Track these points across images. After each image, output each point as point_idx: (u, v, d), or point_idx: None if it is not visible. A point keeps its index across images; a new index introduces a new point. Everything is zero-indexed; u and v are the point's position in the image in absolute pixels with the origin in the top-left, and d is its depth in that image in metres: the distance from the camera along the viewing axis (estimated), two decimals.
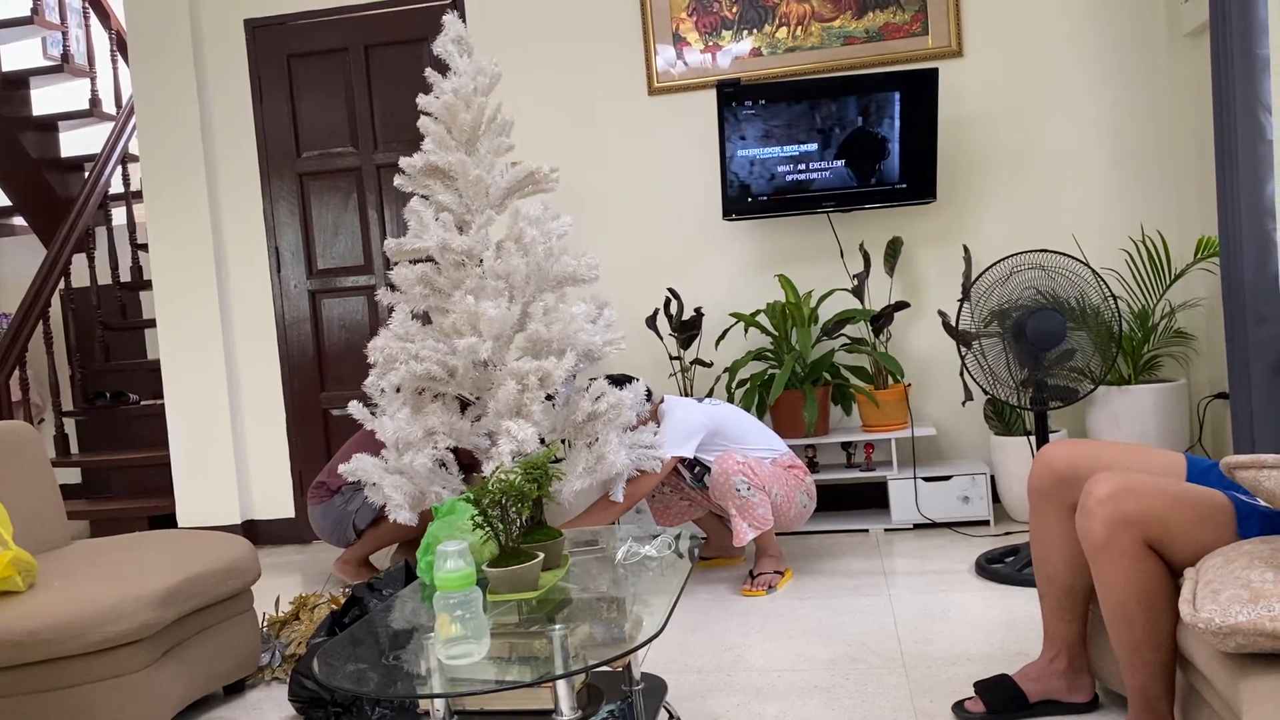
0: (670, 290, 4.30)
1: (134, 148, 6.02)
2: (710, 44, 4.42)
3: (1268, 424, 3.16)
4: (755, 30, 4.38)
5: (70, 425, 6.07)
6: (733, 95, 4.13)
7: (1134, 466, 2.01)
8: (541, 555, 2.09)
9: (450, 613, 1.73)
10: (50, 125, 6.28)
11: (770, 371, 4.16)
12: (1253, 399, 3.21)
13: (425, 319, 3.45)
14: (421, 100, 3.40)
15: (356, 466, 3.31)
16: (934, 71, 4.06)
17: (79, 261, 6.16)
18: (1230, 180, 3.25)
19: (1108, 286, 3.34)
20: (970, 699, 2.30)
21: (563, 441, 3.44)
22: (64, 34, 6.26)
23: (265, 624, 3.07)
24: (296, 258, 4.83)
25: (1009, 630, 2.85)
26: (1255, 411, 3.20)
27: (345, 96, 4.76)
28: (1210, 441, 4.03)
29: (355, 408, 3.39)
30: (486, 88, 3.37)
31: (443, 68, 3.42)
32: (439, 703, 1.84)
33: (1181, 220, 4.15)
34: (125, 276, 6.06)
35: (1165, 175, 4.18)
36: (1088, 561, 1.90)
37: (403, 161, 3.40)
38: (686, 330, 4.21)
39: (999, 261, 3.36)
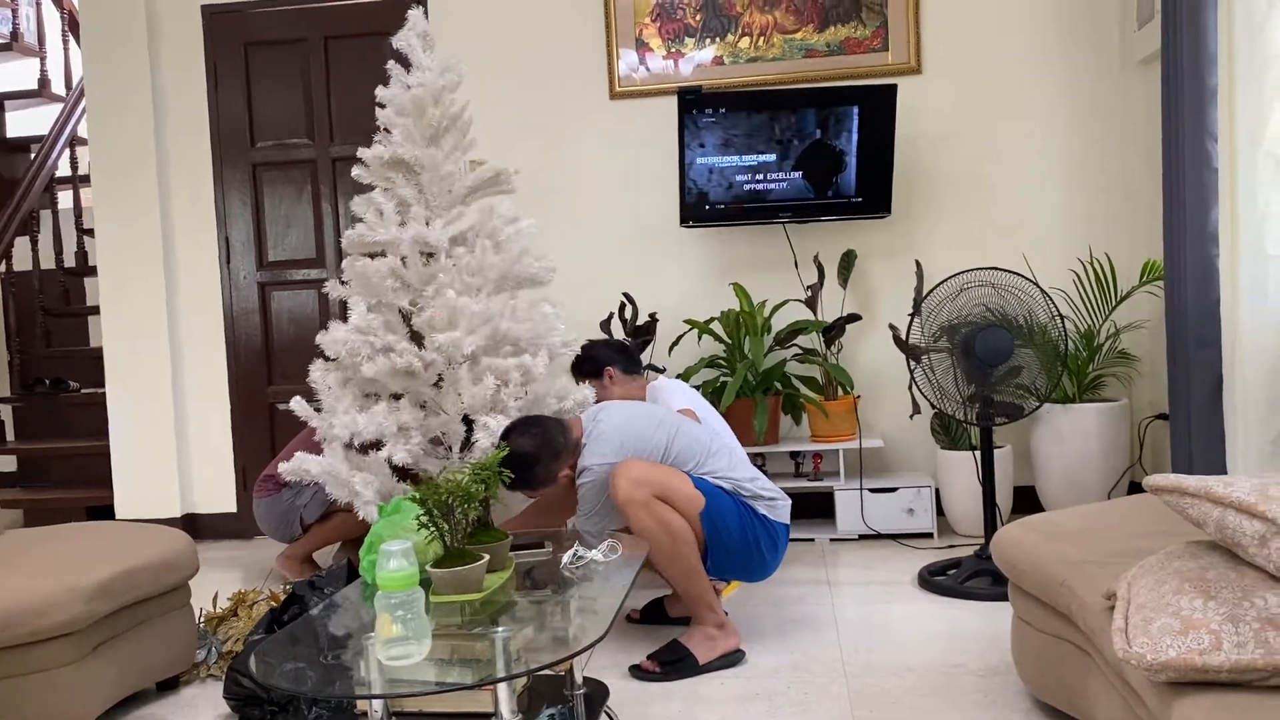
0: (625, 295, 4.30)
1: (83, 130, 5.89)
2: (673, 50, 4.43)
3: (1204, 445, 3.23)
4: (718, 39, 4.40)
5: (6, 411, 5.91)
6: (694, 102, 4.14)
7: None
8: (487, 557, 2.08)
9: (391, 613, 1.71)
10: None
11: (722, 379, 4.17)
12: (1191, 421, 3.28)
13: (379, 313, 3.41)
14: (383, 92, 3.36)
15: (297, 465, 3.26)
16: (893, 87, 4.11)
17: (21, 245, 6.01)
18: (1176, 206, 3.32)
19: (1055, 306, 3.39)
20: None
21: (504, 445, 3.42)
22: (14, 12, 6.12)
23: (202, 620, 3.02)
24: (247, 249, 4.76)
25: (950, 641, 2.88)
26: (1194, 433, 3.27)
27: (303, 88, 4.70)
28: (1150, 460, 4.11)
29: (298, 404, 3.35)
30: (455, 85, 3.35)
31: (405, 61, 3.39)
32: (377, 704, 1.82)
33: (1129, 243, 4.23)
34: (70, 262, 5.93)
35: (1114, 199, 4.26)
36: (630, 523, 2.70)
37: (362, 152, 3.36)
38: (641, 335, 4.21)
39: (950, 278, 3.40)
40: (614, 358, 3.55)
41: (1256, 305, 2.95)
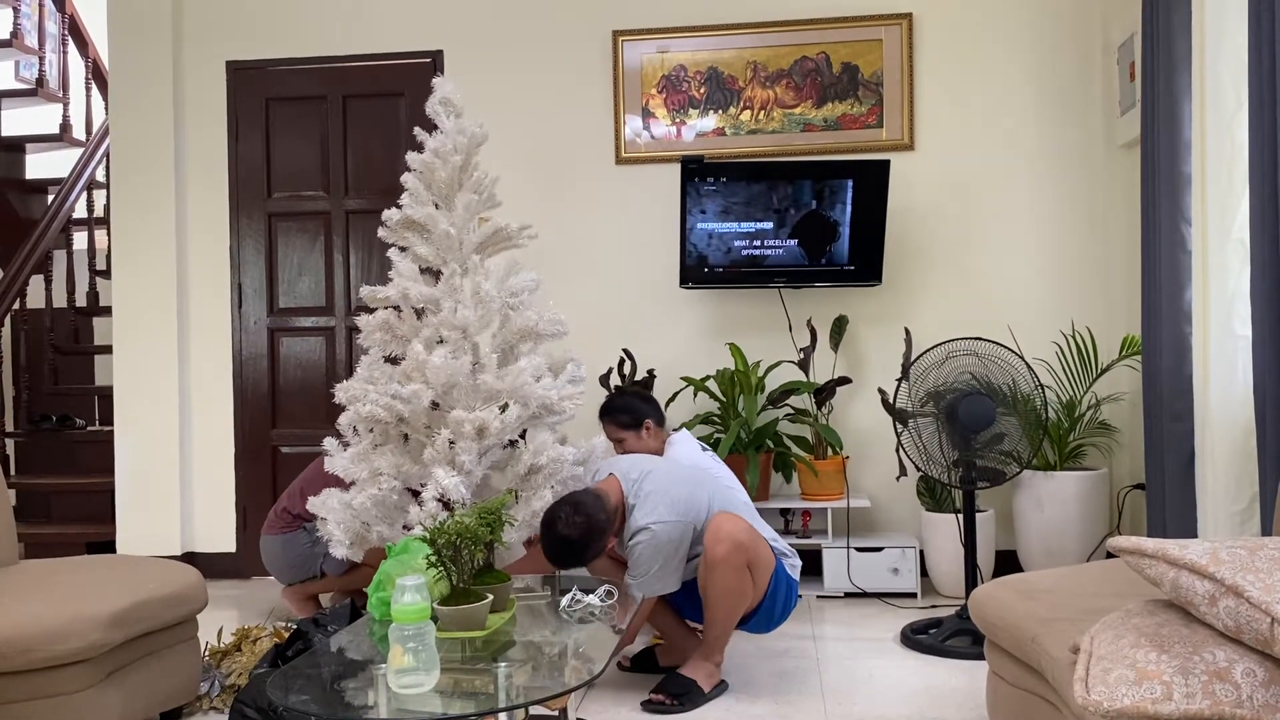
0: (625, 350, 4.45)
1: (100, 175, 6.07)
2: (677, 120, 4.62)
3: (1178, 515, 3.36)
4: (720, 111, 4.60)
5: (10, 446, 6.01)
6: (696, 171, 4.32)
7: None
8: (491, 597, 2.19)
9: (404, 644, 1.82)
10: (17, 146, 6.31)
11: (716, 435, 4.30)
12: (1166, 491, 3.41)
13: (395, 363, 3.55)
14: (408, 157, 3.56)
15: (322, 502, 3.36)
16: (886, 162, 4.30)
17: (35, 283, 6.15)
18: (1153, 285, 3.48)
19: (1037, 376, 3.54)
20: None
21: (509, 491, 3.53)
22: (40, 59, 6.33)
23: (206, 654, 3.11)
24: (259, 295, 4.90)
25: (929, 696, 2.98)
26: (1167, 503, 3.40)
27: (320, 142, 4.88)
28: (1128, 528, 4.24)
29: (331, 444, 3.47)
30: (465, 147, 3.52)
31: (432, 127, 3.59)
32: None
33: (1110, 318, 4.40)
34: (80, 301, 6.06)
35: (1097, 275, 4.44)
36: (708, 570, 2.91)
37: (385, 214, 3.53)
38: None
39: (937, 345, 3.55)
40: (651, 410, 3.62)
41: (1226, 382, 3.09)
